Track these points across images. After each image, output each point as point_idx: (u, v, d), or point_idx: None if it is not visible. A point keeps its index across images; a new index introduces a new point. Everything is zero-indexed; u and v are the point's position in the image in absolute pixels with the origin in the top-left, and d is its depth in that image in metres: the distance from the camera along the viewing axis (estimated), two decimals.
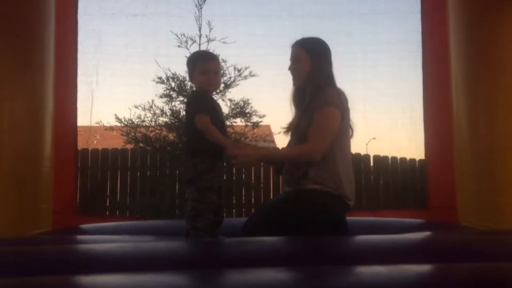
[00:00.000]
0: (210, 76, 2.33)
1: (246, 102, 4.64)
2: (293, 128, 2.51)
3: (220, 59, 4.53)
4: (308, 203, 2.29)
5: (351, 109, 2.44)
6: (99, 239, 2.54)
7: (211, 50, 4.50)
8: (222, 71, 2.43)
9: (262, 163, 4.72)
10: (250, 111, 4.64)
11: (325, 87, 2.38)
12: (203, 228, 2.24)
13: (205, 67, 2.33)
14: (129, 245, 2.02)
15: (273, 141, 5.17)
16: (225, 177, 4.67)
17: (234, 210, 4.83)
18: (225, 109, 4.62)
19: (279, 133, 2.59)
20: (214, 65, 2.38)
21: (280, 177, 2.90)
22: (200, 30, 4.57)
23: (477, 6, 3.56)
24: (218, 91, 4.51)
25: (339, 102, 2.34)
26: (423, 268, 1.60)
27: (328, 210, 2.31)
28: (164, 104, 4.62)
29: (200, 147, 2.28)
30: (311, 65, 2.42)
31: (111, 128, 4.57)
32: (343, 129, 2.39)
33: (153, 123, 4.64)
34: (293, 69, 2.49)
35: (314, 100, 2.34)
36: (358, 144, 5.21)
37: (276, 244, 1.95)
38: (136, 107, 4.58)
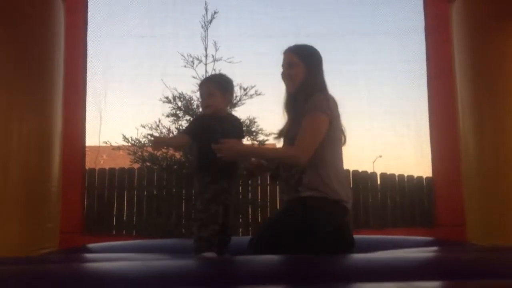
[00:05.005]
0: (202, 101, 2.57)
1: (252, 121, 4.66)
2: (284, 134, 2.51)
3: None
4: (307, 211, 2.27)
5: (342, 114, 2.43)
6: (106, 257, 2.53)
7: (217, 70, 4.56)
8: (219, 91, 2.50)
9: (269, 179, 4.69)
10: (257, 130, 4.65)
11: (316, 93, 2.37)
12: (207, 237, 2.32)
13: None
14: (136, 263, 2.01)
15: None
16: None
17: (240, 229, 4.81)
18: None
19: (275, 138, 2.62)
20: (200, 90, 2.61)
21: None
22: (206, 50, 4.64)
23: (480, 24, 3.58)
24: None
25: (327, 108, 2.33)
26: (432, 285, 1.58)
27: (327, 216, 2.30)
28: (171, 123, 4.65)
29: (202, 162, 2.46)
30: (305, 72, 2.42)
31: (118, 148, 4.60)
32: (333, 134, 2.37)
33: None
34: (287, 75, 2.46)
35: (305, 106, 2.34)
36: (365, 162, 5.21)
37: (283, 262, 1.94)
38: (143, 126, 4.61)
